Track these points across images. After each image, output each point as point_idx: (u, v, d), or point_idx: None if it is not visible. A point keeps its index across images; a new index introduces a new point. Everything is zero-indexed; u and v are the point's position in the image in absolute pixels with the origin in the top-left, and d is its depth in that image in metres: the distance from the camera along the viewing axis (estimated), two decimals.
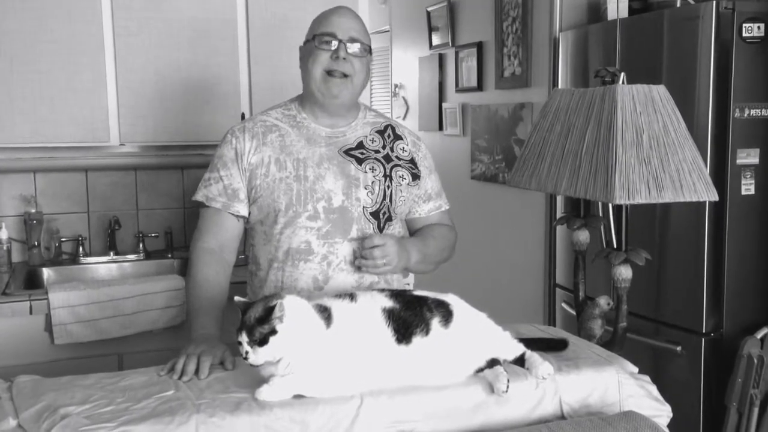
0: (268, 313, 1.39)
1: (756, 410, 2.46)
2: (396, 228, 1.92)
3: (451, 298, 1.57)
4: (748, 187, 2.66)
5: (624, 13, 3.04)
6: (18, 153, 2.79)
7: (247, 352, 1.39)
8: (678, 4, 2.79)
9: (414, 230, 2.02)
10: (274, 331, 1.38)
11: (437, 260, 2.00)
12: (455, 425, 1.46)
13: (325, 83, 1.83)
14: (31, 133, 2.71)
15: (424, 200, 1.99)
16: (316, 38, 1.83)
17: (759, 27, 2.60)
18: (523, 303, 3.88)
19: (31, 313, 2.41)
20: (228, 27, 2.89)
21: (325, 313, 1.45)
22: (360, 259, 1.80)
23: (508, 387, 1.45)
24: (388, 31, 5.50)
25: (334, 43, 1.81)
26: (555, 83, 3.50)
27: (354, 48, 1.82)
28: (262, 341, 1.38)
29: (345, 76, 1.83)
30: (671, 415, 1.60)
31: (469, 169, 4.35)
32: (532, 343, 1.62)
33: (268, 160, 1.84)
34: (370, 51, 1.89)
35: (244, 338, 1.39)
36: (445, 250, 2.01)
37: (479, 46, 4.19)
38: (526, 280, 3.85)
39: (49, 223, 2.93)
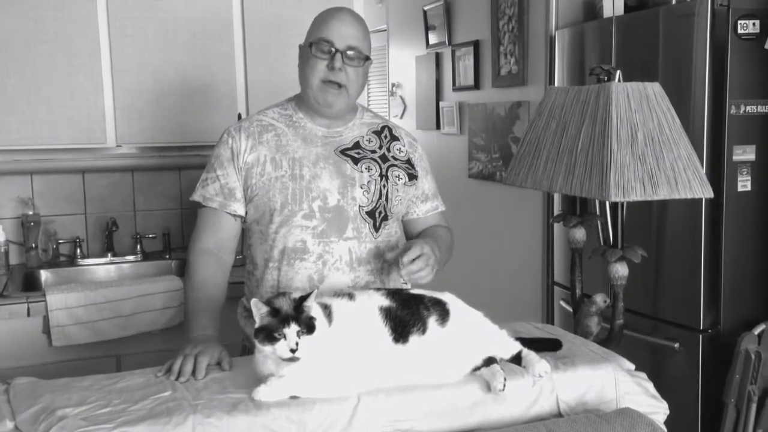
0: (301, 302, 1.40)
1: (754, 406, 2.47)
2: (392, 227, 1.92)
3: (447, 297, 1.57)
4: (744, 183, 2.66)
5: (619, 10, 3.04)
6: (15, 155, 2.79)
7: (297, 343, 1.37)
8: (673, 2, 2.80)
9: (413, 231, 2.02)
10: (314, 317, 1.40)
11: (444, 261, 2.00)
12: (452, 424, 1.46)
13: (321, 92, 1.84)
14: (28, 135, 2.71)
15: (422, 200, 1.99)
16: (313, 45, 1.82)
17: (754, 24, 2.60)
18: (521, 301, 3.88)
19: (28, 315, 2.41)
20: (224, 27, 2.89)
21: (326, 310, 1.45)
22: (406, 275, 1.74)
23: (504, 385, 1.45)
24: (384, 30, 5.51)
25: (331, 51, 1.80)
26: (551, 81, 3.50)
27: (350, 57, 1.81)
28: (310, 327, 1.38)
29: (340, 86, 1.83)
30: (668, 412, 1.61)
31: (467, 168, 4.36)
32: (526, 344, 1.62)
33: (264, 159, 1.84)
34: (368, 57, 1.86)
35: (292, 329, 1.37)
36: (449, 251, 2.01)
37: (476, 45, 4.19)
38: (524, 278, 3.85)
39: (47, 224, 2.93)
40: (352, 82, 1.85)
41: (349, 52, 1.81)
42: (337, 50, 1.80)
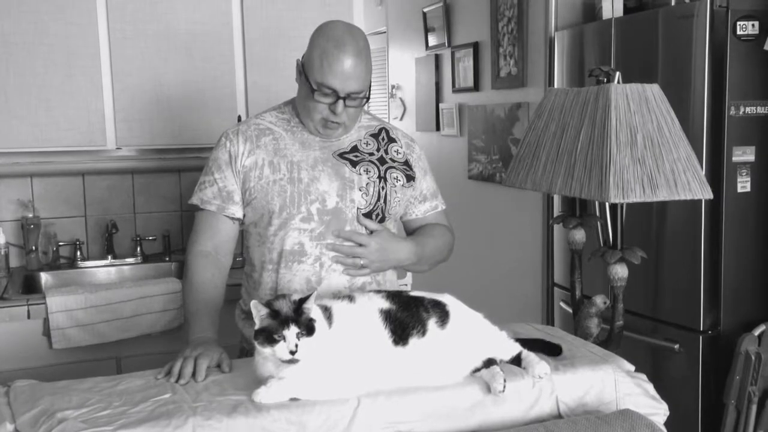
0: (301, 304, 1.40)
1: (754, 407, 2.47)
2: (390, 228, 1.93)
3: (447, 299, 1.57)
4: (744, 184, 2.66)
5: (619, 12, 3.05)
6: (15, 158, 2.79)
7: (296, 345, 1.37)
8: (672, 3, 2.80)
9: (411, 231, 2.02)
10: (314, 319, 1.40)
11: (435, 261, 2.00)
12: (452, 425, 1.47)
13: (321, 126, 1.85)
14: (28, 138, 2.71)
15: (420, 201, 1.99)
16: (315, 92, 1.79)
17: (753, 25, 2.60)
18: (521, 302, 3.88)
19: (29, 317, 2.41)
20: (224, 31, 2.89)
21: (326, 312, 1.45)
22: (337, 255, 1.81)
23: (504, 387, 1.46)
24: (384, 32, 5.51)
25: (334, 97, 1.79)
26: (551, 83, 3.51)
27: (352, 99, 1.81)
28: (310, 329, 1.38)
29: (339, 123, 1.84)
30: (668, 413, 1.61)
31: (467, 169, 4.36)
32: (527, 344, 1.62)
33: (262, 163, 1.84)
34: (368, 96, 1.86)
35: (292, 331, 1.37)
36: (443, 251, 2.01)
37: (475, 47, 4.19)
38: (524, 279, 3.85)
39: (47, 227, 2.93)
40: (352, 119, 1.87)
41: (351, 98, 1.81)
42: (339, 97, 1.79)
